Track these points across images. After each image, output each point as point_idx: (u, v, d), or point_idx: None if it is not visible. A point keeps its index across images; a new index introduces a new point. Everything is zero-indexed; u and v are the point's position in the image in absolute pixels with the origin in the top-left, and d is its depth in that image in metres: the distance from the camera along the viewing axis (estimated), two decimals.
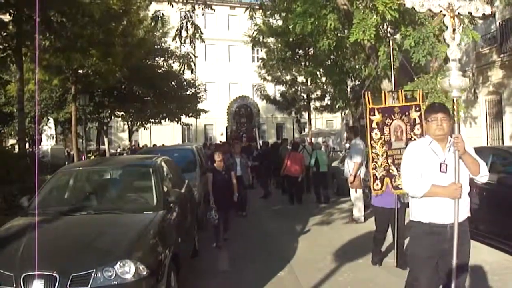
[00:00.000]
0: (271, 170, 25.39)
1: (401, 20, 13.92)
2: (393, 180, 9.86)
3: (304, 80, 41.39)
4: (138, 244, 7.01)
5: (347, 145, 17.87)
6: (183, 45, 16.17)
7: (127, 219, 8.23)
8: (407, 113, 10.01)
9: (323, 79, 31.99)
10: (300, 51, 37.09)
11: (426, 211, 5.97)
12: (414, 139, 9.47)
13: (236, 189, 13.96)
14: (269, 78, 44.81)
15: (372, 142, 9.95)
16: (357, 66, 19.64)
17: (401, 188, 9.15)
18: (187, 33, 15.76)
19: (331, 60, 19.96)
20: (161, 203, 8.71)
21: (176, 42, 16.42)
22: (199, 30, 16.03)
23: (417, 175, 5.92)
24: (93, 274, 6.23)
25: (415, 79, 14.32)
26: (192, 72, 15.91)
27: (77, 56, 23.97)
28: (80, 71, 30.04)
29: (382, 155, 9.92)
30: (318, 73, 25.09)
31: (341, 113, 53.42)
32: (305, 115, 46.52)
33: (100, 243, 7.11)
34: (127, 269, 6.37)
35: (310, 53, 34.80)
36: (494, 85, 27.40)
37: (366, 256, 11.35)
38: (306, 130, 50.02)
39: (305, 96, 44.22)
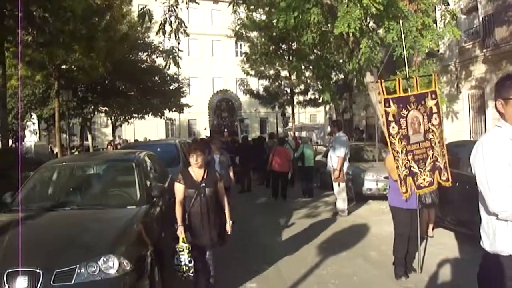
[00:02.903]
0: (249, 165, 24.76)
1: (384, 13, 13.94)
2: (415, 178, 8.81)
3: (288, 75, 41.34)
4: (121, 239, 6.99)
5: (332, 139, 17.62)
6: (169, 40, 16.03)
7: (110, 214, 8.22)
8: (423, 102, 9.06)
9: (307, 73, 32.06)
10: (284, 46, 37.05)
11: None
12: (432, 131, 9.05)
13: (229, 214, 8.44)
14: (253, 72, 44.64)
15: (391, 138, 8.79)
16: (341, 61, 19.66)
17: (424, 187, 8.89)
18: (171, 27, 15.70)
19: (315, 54, 19.97)
20: (144, 198, 8.74)
21: (160, 36, 16.28)
22: (183, 24, 15.98)
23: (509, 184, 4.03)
24: (76, 270, 6.20)
25: (397, 72, 14.36)
26: (178, 67, 15.74)
27: (60, 52, 23.86)
28: (63, 67, 29.86)
29: (402, 152, 8.78)
30: (302, 67, 25.17)
31: (325, 107, 53.48)
32: (289, 109, 46.43)
33: (83, 238, 7.08)
34: (111, 265, 6.33)
35: (293, 48, 34.79)
36: (477, 79, 27.58)
37: (349, 249, 11.43)
38: (290, 124, 50.01)
39: (288, 91, 44.17)
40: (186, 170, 8.54)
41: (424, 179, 8.87)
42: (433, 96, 9.18)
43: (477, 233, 11.05)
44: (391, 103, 8.77)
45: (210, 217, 8.13)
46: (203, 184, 8.18)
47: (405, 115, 8.84)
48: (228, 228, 8.35)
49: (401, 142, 8.75)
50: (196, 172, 8.33)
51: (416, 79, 9.54)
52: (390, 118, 8.78)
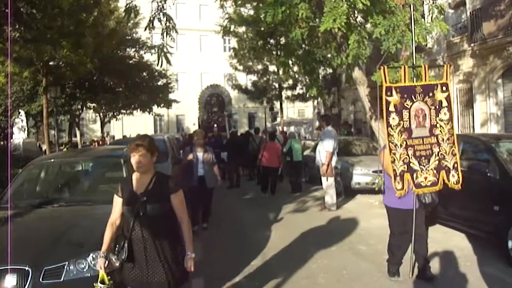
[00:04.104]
0: (238, 161, 24.56)
1: (371, 8, 13.95)
2: (414, 176, 8.12)
3: (276, 70, 41.39)
4: None
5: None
6: (162, 39, 15.88)
7: (99, 211, 8.16)
8: (431, 94, 8.33)
9: (295, 68, 32.10)
10: (272, 40, 37.03)
11: None
12: (440, 126, 8.31)
13: (191, 243, 5.81)
14: (241, 67, 44.76)
15: (390, 129, 8.11)
16: (329, 55, 19.63)
17: (424, 187, 8.17)
18: (161, 24, 15.59)
19: (303, 49, 19.97)
20: None
21: (150, 32, 16.13)
22: (171, 21, 15.88)
23: None
24: (65, 267, 6.24)
25: (384, 67, 14.36)
26: (170, 64, 15.58)
27: (48, 48, 23.77)
28: (51, 63, 29.78)
29: (401, 145, 8.09)
30: (290, 62, 25.27)
31: (313, 102, 53.53)
32: (277, 104, 46.50)
33: (72, 235, 7.09)
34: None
35: (281, 42, 34.78)
36: (465, 73, 27.75)
37: (339, 243, 11.46)
38: (278, 119, 50.06)
39: (276, 86, 44.23)
40: (129, 176, 6.17)
41: (425, 178, 8.18)
42: (444, 88, 8.44)
43: (467, 227, 11.09)
44: (394, 92, 8.18)
45: (157, 247, 5.65)
46: (144, 198, 5.63)
47: (409, 107, 8.22)
48: (189, 264, 5.65)
49: (401, 135, 8.12)
50: (139, 180, 5.89)
51: (425, 68, 8.75)
52: (391, 108, 8.14)
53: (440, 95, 8.37)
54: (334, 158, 16.08)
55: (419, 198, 8.30)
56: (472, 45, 26.68)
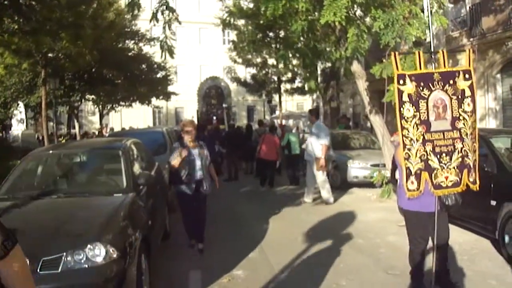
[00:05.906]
0: (236, 154, 24.65)
1: (371, 2, 13.96)
2: (433, 175, 7.03)
3: (275, 63, 41.27)
4: (108, 227, 6.96)
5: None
6: (164, 34, 15.79)
7: (97, 202, 8.22)
8: (451, 82, 7.20)
9: (294, 61, 32.05)
10: (271, 34, 37.00)
11: None
12: (464, 119, 7.14)
13: None
14: (240, 60, 44.63)
15: (403, 121, 6.99)
16: (327, 49, 19.63)
17: (445, 187, 7.12)
18: (163, 17, 15.48)
19: (302, 42, 19.97)
20: (130, 186, 8.69)
21: (154, 25, 15.98)
22: (173, 13, 15.78)
23: None
24: (63, 258, 6.18)
25: (383, 60, 14.35)
26: (172, 57, 15.48)
27: (47, 40, 23.74)
28: (50, 55, 29.69)
29: (417, 140, 6.96)
30: (289, 55, 25.17)
31: (312, 96, 53.47)
32: (276, 97, 46.42)
33: (70, 226, 7.05)
34: (98, 252, 6.31)
35: (280, 36, 34.75)
36: None
37: (336, 237, 11.47)
38: (277, 112, 50.00)
39: (275, 79, 44.12)
40: None
41: (446, 178, 7.06)
42: (467, 76, 7.34)
43: (464, 222, 11.12)
44: (408, 80, 7.03)
45: None
46: None
47: (426, 96, 7.07)
48: None
49: (418, 128, 6.97)
50: None
51: (443, 53, 7.62)
52: (405, 97, 7.01)
53: (462, 84, 7.26)
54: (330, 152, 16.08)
55: (440, 200, 7.38)
56: (471, 39, 26.69)
